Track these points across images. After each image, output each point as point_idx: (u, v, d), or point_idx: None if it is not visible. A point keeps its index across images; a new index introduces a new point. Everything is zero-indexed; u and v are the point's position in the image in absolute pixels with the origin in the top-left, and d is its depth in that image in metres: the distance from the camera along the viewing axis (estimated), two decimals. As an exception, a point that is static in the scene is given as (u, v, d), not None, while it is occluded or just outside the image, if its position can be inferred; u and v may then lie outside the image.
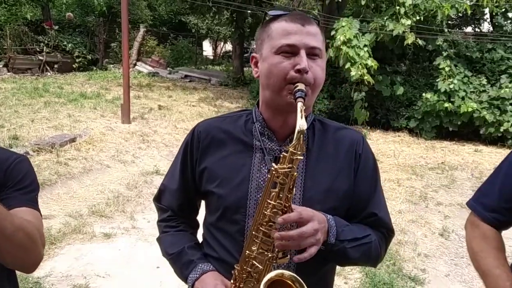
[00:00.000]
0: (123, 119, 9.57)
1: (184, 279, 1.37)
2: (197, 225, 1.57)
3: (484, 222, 1.51)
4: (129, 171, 6.81)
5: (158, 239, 1.53)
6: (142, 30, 19.95)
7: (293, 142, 1.12)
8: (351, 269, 4.09)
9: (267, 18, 1.33)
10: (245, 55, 20.16)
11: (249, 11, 16.92)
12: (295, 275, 1.17)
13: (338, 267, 1.53)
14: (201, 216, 1.54)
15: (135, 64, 18.82)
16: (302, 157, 1.14)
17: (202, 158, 1.39)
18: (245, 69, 18.87)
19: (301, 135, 1.12)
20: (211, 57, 30.87)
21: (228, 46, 32.90)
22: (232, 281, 1.25)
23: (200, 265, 1.35)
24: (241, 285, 1.23)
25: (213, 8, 17.43)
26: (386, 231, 1.41)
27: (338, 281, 3.89)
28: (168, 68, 19.77)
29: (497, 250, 1.45)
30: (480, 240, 1.49)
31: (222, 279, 1.29)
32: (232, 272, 1.25)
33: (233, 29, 18.85)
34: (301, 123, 1.11)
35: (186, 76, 18.69)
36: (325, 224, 1.22)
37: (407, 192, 6.52)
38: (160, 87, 15.17)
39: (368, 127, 10.87)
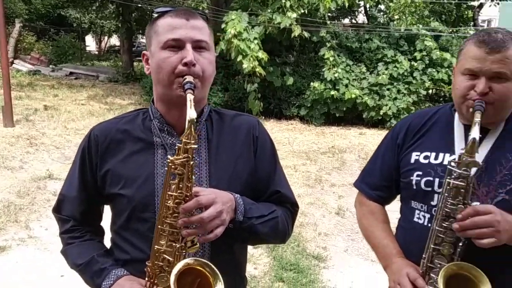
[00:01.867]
0: (5, 122, 8.87)
1: (97, 287, 1.34)
2: (102, 232, 1.54)
3: (370, 200, 1.69)
4: (18, 178, 6.35)
5: (63, 252, 1.47)
6: (17, 25, 18.46)
7: (185, 132, 1.16)
8: (260, 255, 4.29)
9: (154, 16, 1.36)
10: (134, 49, 19.59)
11: (134, 5, 16.46)
12: (203, 260, 1.21)
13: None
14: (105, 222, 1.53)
15: (12, 62, 17.38)
16: (195, 146, 1.18)
17: (103, 162, 1.37)
18: (135, 64, 18.36)
19: (192, 125, 1.16)
20: (96, 52, 29.52)
21: (114, 41, 31.66)
22: (146, 278, 1.26)
23: (114, 271, 1.34)
24: (155, 281, 1.24)
25: (97, 1, 16.66)
26: (290, 206, 1.49)
27: (248, 267, 4.03)
28: (51, 66, 18.56)
29: (383, 223, 1.65)
30: (368, 216, 1.68)
31: (138, 280, 1.29)
32: (145, 270, 1.25)
33: (119, 23, 18.20)
34: (191, 113, 1.15)
35: (71, 73, 17.70)
36: (231, 203, 1.27)
37: (303, 177, 6.91)
38: (44, 86, 14.21)
39: (263, 117, 11.25)
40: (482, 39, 1.37)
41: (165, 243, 1.21)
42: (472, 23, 17.57)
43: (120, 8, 17.01)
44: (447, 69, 11.11)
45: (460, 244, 1.29)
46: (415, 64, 11.13)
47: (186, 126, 1.16)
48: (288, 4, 9.99)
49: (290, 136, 9.77)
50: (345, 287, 3.86)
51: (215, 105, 10.98)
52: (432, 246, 1.33)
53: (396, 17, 11.93)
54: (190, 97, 1.18)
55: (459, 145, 1.43)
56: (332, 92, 10.82)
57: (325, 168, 7.47)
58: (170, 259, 1.20)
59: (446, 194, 1.30)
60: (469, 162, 1.26)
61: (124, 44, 18.41)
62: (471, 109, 1.35)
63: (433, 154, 1.48)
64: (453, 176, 1.29)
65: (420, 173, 1.48)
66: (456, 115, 1.50)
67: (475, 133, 1.26)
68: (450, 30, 12.96)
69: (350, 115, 11.44)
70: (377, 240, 1.59)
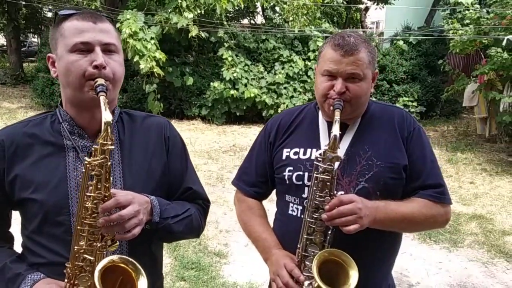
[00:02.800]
0: None
1: None
2: (12, 238, 1.50)
3: (248, 196, 1.78)
4: None
5: None
6: None
7: (102, 134, 1.19)
8: (161, 256, 4.27)
9: (58, 18, 1.34)
10: (23, 49, 18.27)
11: (22, 2, 15.35)
12: (126, 257, 1.24)
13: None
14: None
15: None
16: (112, 147, 1.21)
17: (11, 167, 1.34)
18: (24, 64, 17.13)
19: (108, 126, 1.19)
20: (-21, 53, 27.03)
21: (0, 40, 29.24)
22: (66, 280, 1.24)
23: (30, 276, 1.30)
24: (75, 282, 1.23)
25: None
26: (202, 202, 1.57)
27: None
28: None
29: (261, 218, 1.74)
30: (247, 212, 1.77)
31: (57, 283, 1.28)
32: (64, 271, 1.24)
33: (5, 21, 16.86)
34: (106, 115, 1.18)
35: (-51, 75, 16.09)
36: (147, 204, 1.31)
37: (205, 176, 6.97)
38: None
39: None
40: (337, 43, 1.50)
41: (84, 243, 1.22)
42: (360, 24, 18.75)
43: (5, 5, 15.77)
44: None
45: (329, 232, 1.43)
46: (309, 63, 11.67)
47: (103, 128, 1.18)
48: (184, 4, 9.96)
49: (192, 136, 9.77)
50: (245, 280, 3.99)
51: (113, 107, 10.63)
52: (305, 236, 1.45)
53: (290, 18, 12.41)
54: (103, 99, 1.20)
55: (323, 141, 1.57)
56: (232, 92, 10.99)
57: (226, 167, 7.59)
58: (91, 258, 1.22)
59: (314, 188, 1.43)
60: (332, 157, 1.40)
61: (12, 43, 17.10)
62: (331, 108, 1.49)
63: (302, 150, 1.61)
64: (319, 171, 1.42)
65: (291, 168, 1.60)
66: (320, 112, 1.64)
67: (335, 130, 1.40)
68: (340, 31, 13.73)
69: (250, 114, 11.71)
70: (256, 234, 1.69)
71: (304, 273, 1.44)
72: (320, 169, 1.42)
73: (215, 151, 8.74)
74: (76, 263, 1.23)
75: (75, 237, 1.23)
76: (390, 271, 1.67)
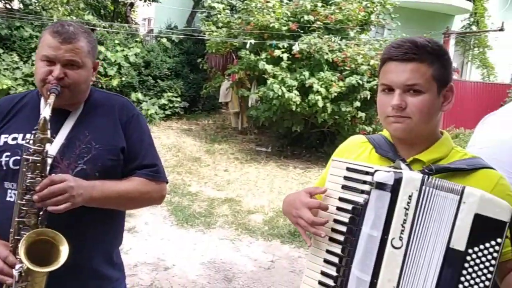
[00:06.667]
0: None
1: None
2: None
3: None
4: None
5: None
6: None
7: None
8: None
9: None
10: None
11: None
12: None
13: None
14: None
15: None
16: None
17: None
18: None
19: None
20: None
21: None
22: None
23: None
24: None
25: None
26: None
27: None
28: None
29: None
30: None
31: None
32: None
33: None
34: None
35: None
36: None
37: None
38: None
39: None
40: (56, 30, 1.55)
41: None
42: (126, 20, 18.60)
43: None
44: (102, 61, 11.51)
45: (41, 213, 1.46)
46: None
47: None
48: None
49: None
50: None
51: None
52: (17, 219, 1.44)
53: (49, 6, 11.55)
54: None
55: None
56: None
57: None
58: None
59: (24, 169, 1.44)
60: (42, 138, 1.43)
61: None
62: (48, 92, 1.53)
63: (21, 135, 1.60)
64: (29, 152, 1.44)
65: (9, 153, 1.57)
66: (42, 99, 1.66)
67: (45, 112, 1.44)
68: (104, 24, 13.42)
69: None
70: None
71: (17, 257, 1.44)
72: (30, 150, 1.43)
73: None
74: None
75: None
76: (114, 249, 1.77)
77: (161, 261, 4.53)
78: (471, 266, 1.11)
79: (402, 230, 1.11)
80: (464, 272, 1.11)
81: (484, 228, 1.11)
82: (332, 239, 1.21)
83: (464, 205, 1.12)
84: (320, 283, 1.21)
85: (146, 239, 5.05)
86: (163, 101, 11.16)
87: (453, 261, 1.11)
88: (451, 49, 14.21)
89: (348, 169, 1.22)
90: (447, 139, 1.38)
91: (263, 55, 8.53)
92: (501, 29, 13.63)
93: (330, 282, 1.19)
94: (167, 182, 1.79)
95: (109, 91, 1.87)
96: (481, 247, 1.11)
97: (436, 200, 1.14)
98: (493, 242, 1.10)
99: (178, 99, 11.41)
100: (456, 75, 14.57)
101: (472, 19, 15.17)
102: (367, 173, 1.16)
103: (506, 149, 1.97)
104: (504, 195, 1.25)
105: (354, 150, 1.47)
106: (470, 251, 1.11)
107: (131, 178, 1.66)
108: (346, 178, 1.21)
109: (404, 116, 1.27)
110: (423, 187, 1.12)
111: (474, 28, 15.21)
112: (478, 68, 15.43)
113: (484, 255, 1.10)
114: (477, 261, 1.11)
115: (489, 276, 1.11)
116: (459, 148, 1.39)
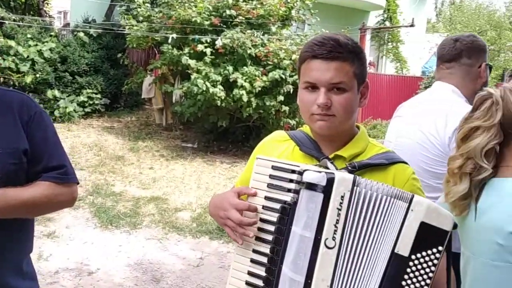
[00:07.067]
0: None
1: None
2: None
3: None
4: None
5: None
6: None
7: None
8: None
9: None
10: None
11: None
12: None
13: None
14: None
15: None
16: None
17: None
18: None
19: None
20: None
21: None
22: None
23: None
24: None
25: None
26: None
27: None
28: None
29: None
30: None
31: None
32: None
33: None
34: None
35: None
36: None
37: None
38: None
39: None
40: None
41: None
42: (39, 12, 17.59)
43: None
44: (13, 57, 10.77)
45: None
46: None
47: None
48: None
49: None
50: None
51: None
52: None
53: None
54: None
55: None
56: None
57: None
58: None
59: None
60: None
61: None
62: None
63: None
64: None
65: None
66: None
67: None
68: (14, 17, 12.56)
69: None
70: None
71: None
72: None
73: None
74: None
75: None
76: (24, 257, 1.63)
77: (84, 265, 4.35)
78: (412, 272, 1.14)
79: (335, 230, 1.11)
80: (406, 276, 1.14)
81: (428, 236, 1.14)
82: (259, 239, 1.20)
83: (412, 213, 1.14)
84: (248, 283, 1.20)
85: (67, 243, 4.82)
86: (82, 98, 10.66)
87: (396, 266, 1.14)
88: (367, 44, 14.86)
89: (273, 167, 1.20)
90: (364, 133, 1.43)
91: (186, 50, 8.42)
92: (412, 25, 14.48)
93: (259, 283, 1.18)
94: (77, 183, 1.69)
95: (3, 87, 1.67)
96: (424, 253, 1.14)
97: (382, 205, 1.15)
98: (434, 250, 1.14)
99: (98, 95, 10.96)
100: (372, 68, 15.30)
101: (385, 15, 15.94)
102: (293, 171, 1.16)
103: (408, 144, 2.14)
104: (415, 188, 1.33)
105: (277, 147, 1.47)
106: (413, 257, 1.14)
107: (37, 183, 1.53)
108: (271, 176, 1.20)
109: (329, 114, 1.29)
110: (355, 187, 1.13)
111: (387, 23, 15.99)
112: (392, 61, 16.26)
113: (426, 262, 1.14)
114: (419, 266, 1.14)
115: (428, 281, 1.15)
116: (375, 142, 1.45)
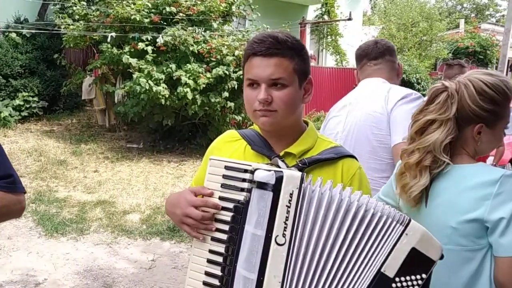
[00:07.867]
0: None
1: None
2: None
3: None
4: None
5: None
6: None
7: None
8: None
9: None
10: None
11: None
12: None
13: None
14: None
15: None
16: None
17: None
18: None
19: None
20: None
21: None
22: None
23: None
24: None
25: None
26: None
27: None
28: None
29: None
30: None
31: None
32: None
33: None
34: None
35: None
36: None
37: None
38: None
39: None
40: None
41: None
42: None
43: None
44: None
45: None
46: None
47: None
48: None
49: None
50: None
51: None
52: None
53: None
54: None
55: None
56: None
57: None
58: None
59: None
60: None
61: None
62: None
63: None
64: None
65: None
66: None
67: None
68: None
69: None
70: None
71: None
72: None
73: None
74: None
75: None
76: None
77: (30, 277, 4.18)
78: None
79: (285, 227, 1.13)
80: None
81: (416, 262, 1.16)
82: (214, 239, 1.22)
83: (405, 237, 1.16)
84: (205, 283, 1.22)
85: (10, 255, 4.61)
86: (17, 101, 10.14)
87: (380, 284, 1.15)
88: (307, 38, 15.12)
89: (226, 167, 1.22)
90: (312, 129, 1.47)
91: (127, 49, 8.22)
92: (349, 19, 14.88)
93: (216, 282, 1.19)
94: (25, 193, 1.65)
95: None
96: (407, 278, 1.16)
97: (374, 223, 1.16)
98: (418, 276, 1.17)
99: (35, 98, 10.47)
100: (313, 61, 15.58)
101: (323, 9, 16.25)
102: (245, 171, 1.18)
103: (358, 129, 2.27)
104: (362, 180, 1.39)
105: (229, 147, 1.49)
106: (397, 279, 1.16)
107: None
108: (225, 176, 1.22)
109: (270, 110, 1.32)
110: (303, 184, 1.15)
111: (326, 17, 16.32)
112: (332, 54, 16.62)
113: (408, 286, 1.16)
114: None
115: None
116: (324, 137, 1.50)
